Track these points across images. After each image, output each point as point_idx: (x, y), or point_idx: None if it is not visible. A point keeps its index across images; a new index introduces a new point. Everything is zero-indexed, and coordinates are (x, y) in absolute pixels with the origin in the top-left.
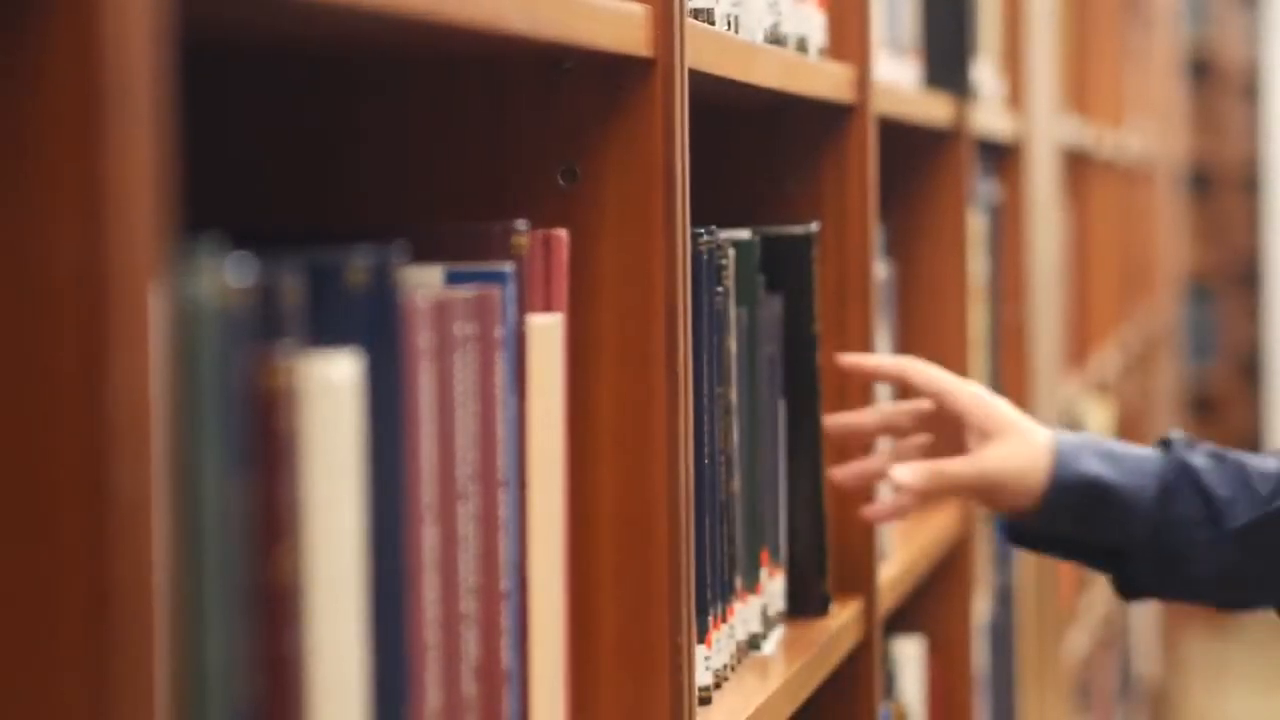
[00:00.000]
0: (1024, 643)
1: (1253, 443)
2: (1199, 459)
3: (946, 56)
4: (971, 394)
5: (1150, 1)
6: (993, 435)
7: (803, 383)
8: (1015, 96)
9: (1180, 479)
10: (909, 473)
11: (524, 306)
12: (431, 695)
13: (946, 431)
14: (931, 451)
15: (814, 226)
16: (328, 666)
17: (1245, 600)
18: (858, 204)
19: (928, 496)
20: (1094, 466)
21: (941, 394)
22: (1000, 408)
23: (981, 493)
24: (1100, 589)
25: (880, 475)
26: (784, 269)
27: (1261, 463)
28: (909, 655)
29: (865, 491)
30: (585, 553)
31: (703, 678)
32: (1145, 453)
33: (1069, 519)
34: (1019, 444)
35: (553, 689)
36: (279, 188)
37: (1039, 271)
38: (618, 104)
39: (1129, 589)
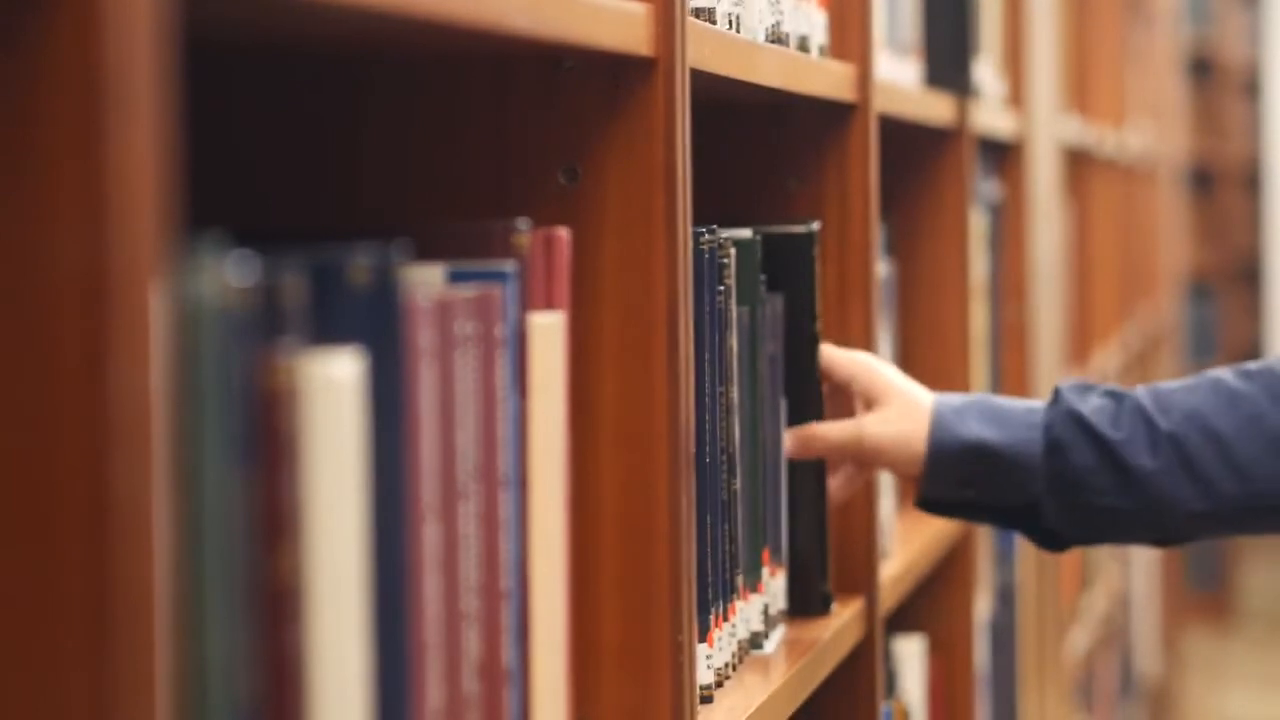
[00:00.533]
0: (1025, 641)
1: None
2: (1093, 402)
3: (947, 56)
4: (856, 361)
5: (1151, 0)
6: (875, 401)
7: (804, 381)
8: (1016, 96)
9: (1068, 428)
10: (788, 439)
11: (525, 305)
12: (433, 694)
13: (838, 401)
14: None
15: (815, 225)
16: (329, 665)
17: (1169, 535)
18: (859, 203)
19: (803, 457)
20: (975, 429)
21: (828, 365)
22: (884, 373)
23: (862, 457)
24: (1101, 588)
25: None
26: (785, 267)
27: (1168, 396)
28: (910, 654)
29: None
30: (587, 551)
31: (704, 676)
32: (1033, 406)
33: (955, 482)
34: (900, 409)
35: (554, 687)
36: (281, 186)
37: (1040, 270)
38: (619, 103)
39: (1050, 542)
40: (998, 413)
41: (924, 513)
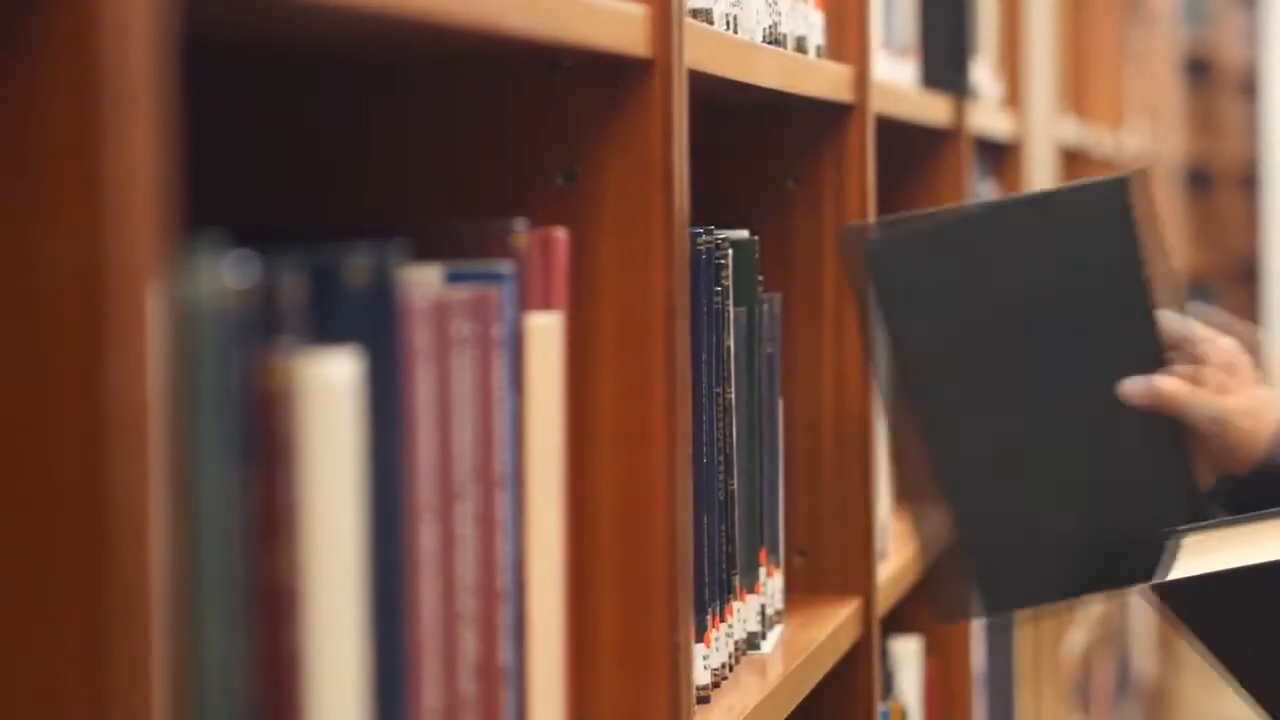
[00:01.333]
0: (1022, 642)
1: None
2: None
3: (944, 57)
4: (1224, 345)
5: (1149, 1)
6: (1233, 391)
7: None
8: (1013, 97)
9: None
10: (1140, 384)
11: (523, 306)
12: (430, 694)
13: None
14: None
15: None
16: (326, 665)
17: None
18: (857, 203)
19: (1144, 406)
20: None
21: (1192, 335)
22: (1248, 364)
23: (1210, 431)
24: None
25: None
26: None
27: None
28: (907, 655)
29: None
30: (584, 552)
31: (701, 676)
32: None
33: (1257, 491)
34: (1257, 406)
35: (551, 687)
36: (279, 186)
37: None
38: (617, 104)
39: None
40: None
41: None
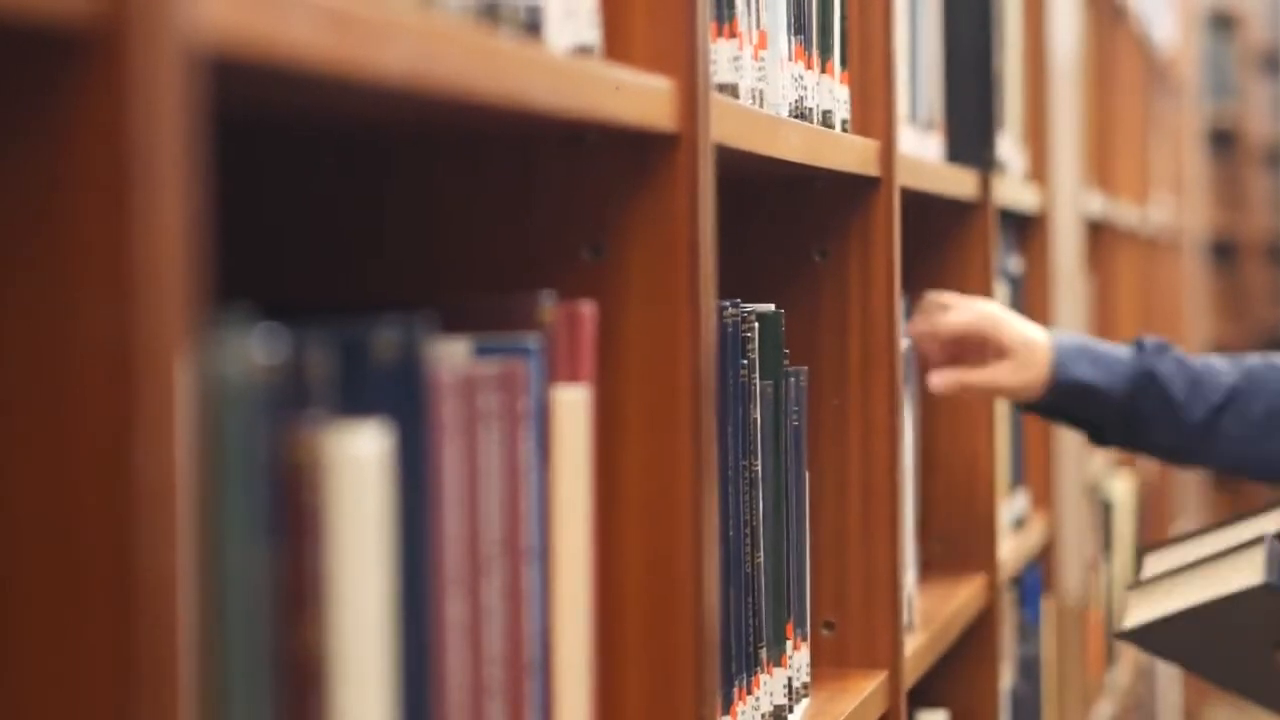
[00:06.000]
0: (1048, 715)
1: None
2: (1165, 365)
3: (970, 131)
4: (983, 314)
5: (1174, 73)
6: (1004, 352)
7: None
8: (1038, 170)
9: (1147, 382)
10: (939, 380)
11: (550, 379)
12: None
13: (969, 346)
14: (956, 362)
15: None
16: None
17: (1188, 465)
18: (883, 275)
19: (949, 395)
20: (1083, 371)
21: (958, 316)
22: (1010, 326)
23: (991, 397)
24: (1126, 662)
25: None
26: None
27: (1214, 374)
28: None
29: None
30: (610, 624)
31: None
32: (1123, 354)
33: (1060, 406)
34: (1025, 358)
35: None
36: (306, 261)
37: None
38: (644, 178)
39: (1100, 441)
40: (1096, 356)
41: (1021, 412)
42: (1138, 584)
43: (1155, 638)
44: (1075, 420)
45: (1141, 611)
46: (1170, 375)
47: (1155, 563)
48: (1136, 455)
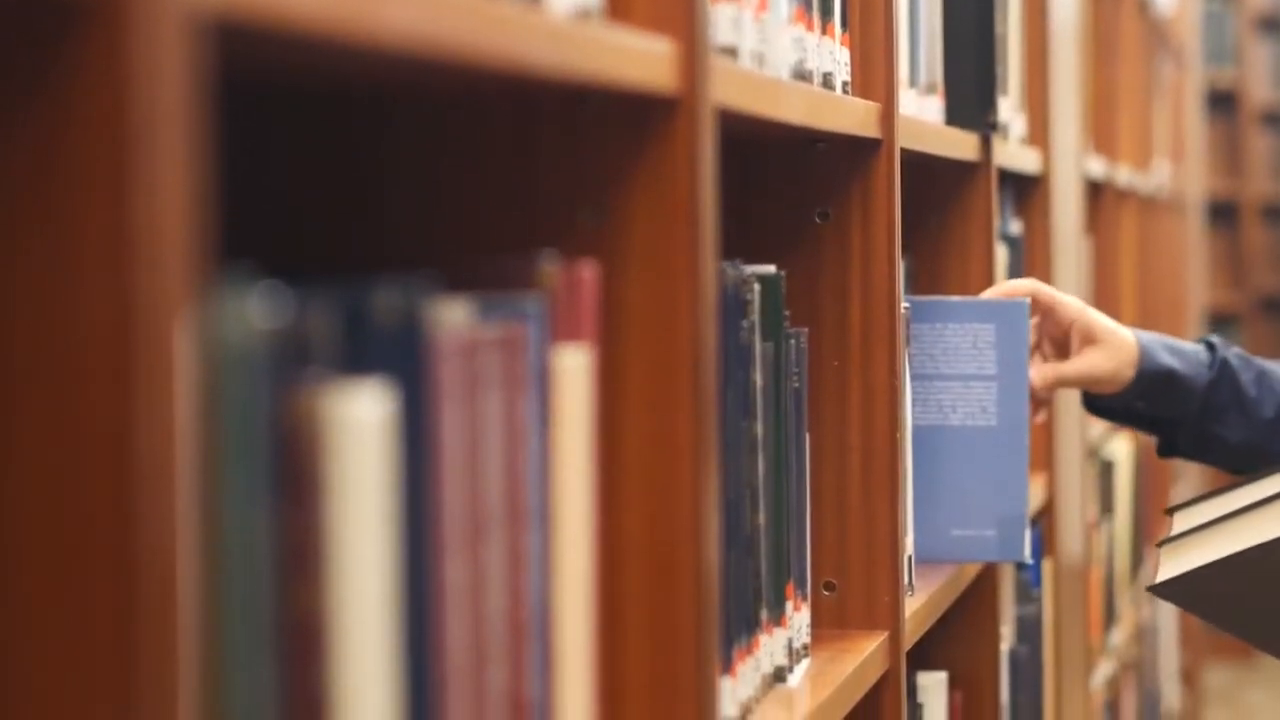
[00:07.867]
0: (1048, 675)
1: None
2: (1234, 360)
3: (970, 96)
4: (1072, 306)
5: (1174, 36)
6: (1093, 340)
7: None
8: (1039, 134)
9: (1222, 373)
10: (1039, 378)
11: (551, 340)
12: None
13: (1054, 335)
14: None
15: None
16: (355, 700)
17: (1253, 463)
18: (883, 237)
19: (1051, 390)
20: (1167, 359)
21: (1053, 307)
22: (1097, 318)
23: (1086, 386)
24: (1126, 624)
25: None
26: None
27: (1277, 373)
28: (933, 688)
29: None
30: (611, 585)
31: (728, 710)
32: (1198, 349)
33: (1144, 398)
34: (1114, 348)
35: None
36: (307, 222)
37: None
38: (644, 141)
39: (1169, 450)
40: (1175, 348)
41: (1091, 414)
42: (1168, 540)
43: (1187, 591)
44: (1150, 420)
45: (1173, 566)
46: (1240, 369)
47: (1184, 519)
48: (1200, 462)
